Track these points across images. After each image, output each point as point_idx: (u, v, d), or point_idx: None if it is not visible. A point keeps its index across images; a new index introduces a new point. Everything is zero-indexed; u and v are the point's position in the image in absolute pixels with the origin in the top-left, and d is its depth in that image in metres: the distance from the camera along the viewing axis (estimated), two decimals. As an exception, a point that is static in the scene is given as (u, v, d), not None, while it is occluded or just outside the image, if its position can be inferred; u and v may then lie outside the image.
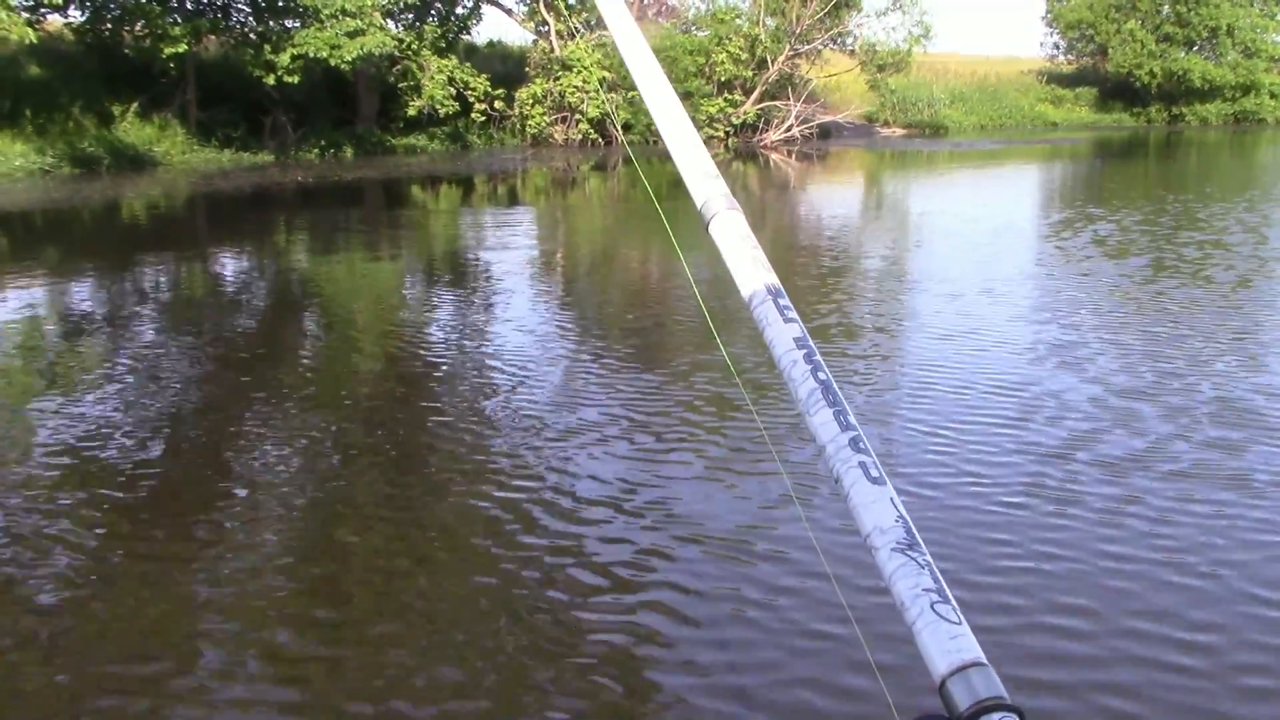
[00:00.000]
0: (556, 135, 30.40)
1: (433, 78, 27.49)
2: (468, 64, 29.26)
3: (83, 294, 10.24)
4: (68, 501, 4.86)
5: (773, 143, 32.82)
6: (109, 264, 12.03)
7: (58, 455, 5.46)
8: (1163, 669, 3.40)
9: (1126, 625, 3.66)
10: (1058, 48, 51.68)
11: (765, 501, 4.78)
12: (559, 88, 29.69)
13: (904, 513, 1.03)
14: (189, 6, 23.46)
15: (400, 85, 27.39)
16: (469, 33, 30.72)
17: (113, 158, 21.70)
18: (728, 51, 31.95)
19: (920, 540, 1.01)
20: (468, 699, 3.31)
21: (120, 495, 4.96)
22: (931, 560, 0.99)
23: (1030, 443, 5.52)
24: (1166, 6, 46.34)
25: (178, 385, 6.95)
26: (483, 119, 29.37)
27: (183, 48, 22.23)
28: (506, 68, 31.84)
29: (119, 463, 5.37)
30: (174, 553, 4.35)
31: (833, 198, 21.25)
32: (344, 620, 3.79)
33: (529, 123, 29.98)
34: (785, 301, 1.19)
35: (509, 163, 26.51)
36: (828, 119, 34.77)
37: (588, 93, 29.01)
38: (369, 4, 23.98)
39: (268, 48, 23.38)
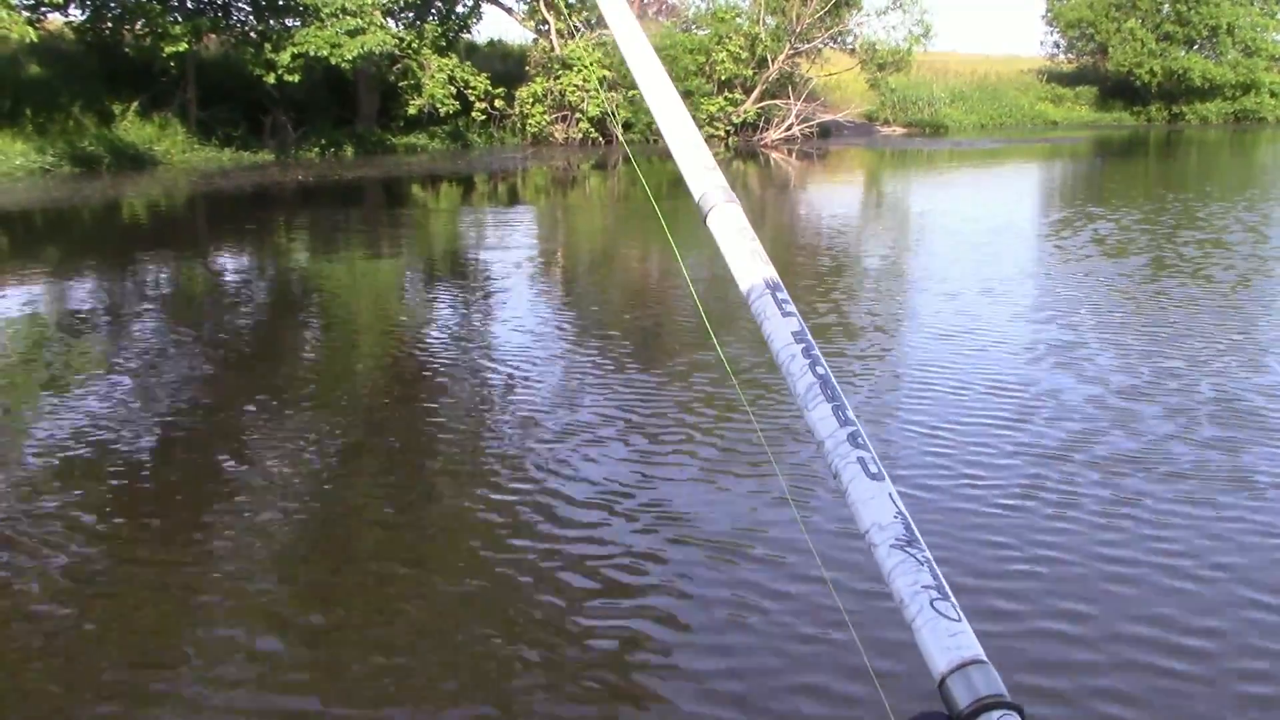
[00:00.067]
0: (557, 134, 30.40)
1: (433, 76, 27.48)
2: (468, 63, 29.25)
3: (83, 293, 10.23)
4: (66, 501, 4.85)
5: (773, 141, 32.81)
6: (109, 263, 12.03)
7: (56, 455, 5.46)
8: (1162, 672, 3.38)
9: (1125, 627, 3.65)
10: (1058, 46, 51.70)
11: (762, 504, 4.76)
12: (559, 87, 29.69)
13: (903, 509, 1.02)
14: (189, 5, 23.45)
15: (400, 84, 27.38)
16: (469, 32, 30.72)
17: (113, 157, 21.69)
18: (728, 50, 31.94)
19: (919, 536, 1.00)
20: (465, 702, 3.30)
21: (119, 495, 4.96)
22: (931, 557, 0.99)
23: (1029, 443, 5.51)
24: (1166, 5, 46.33)
25: (177, 385, 6.95)
26: (483, 118, 29.36)
27: (183, 46, 22.22)
28: (507, 67, 31.84)
29: (118, 463, 5.36)
30: (170, 554, 4.34)
31: (833, 197, 21.24)
32: (340, 622, 3.78)
33: (529, 122, 29.98)
34: (784, 295, 1.18)
35: (509, 162, 26.50)
36: (828, 118, 34.76)
37: (588, 92, 29.00)
38: (369, 3, 23.97)
39: (268, 46, 23.38)
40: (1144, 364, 7.06)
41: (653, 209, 15.52)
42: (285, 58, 23.07)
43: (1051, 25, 51.05)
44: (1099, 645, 3.53)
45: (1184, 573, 4.04)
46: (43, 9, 21.64)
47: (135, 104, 23.23)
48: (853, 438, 1.06)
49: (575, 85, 29.26)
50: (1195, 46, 46.80)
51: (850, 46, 36.28)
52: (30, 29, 19.29)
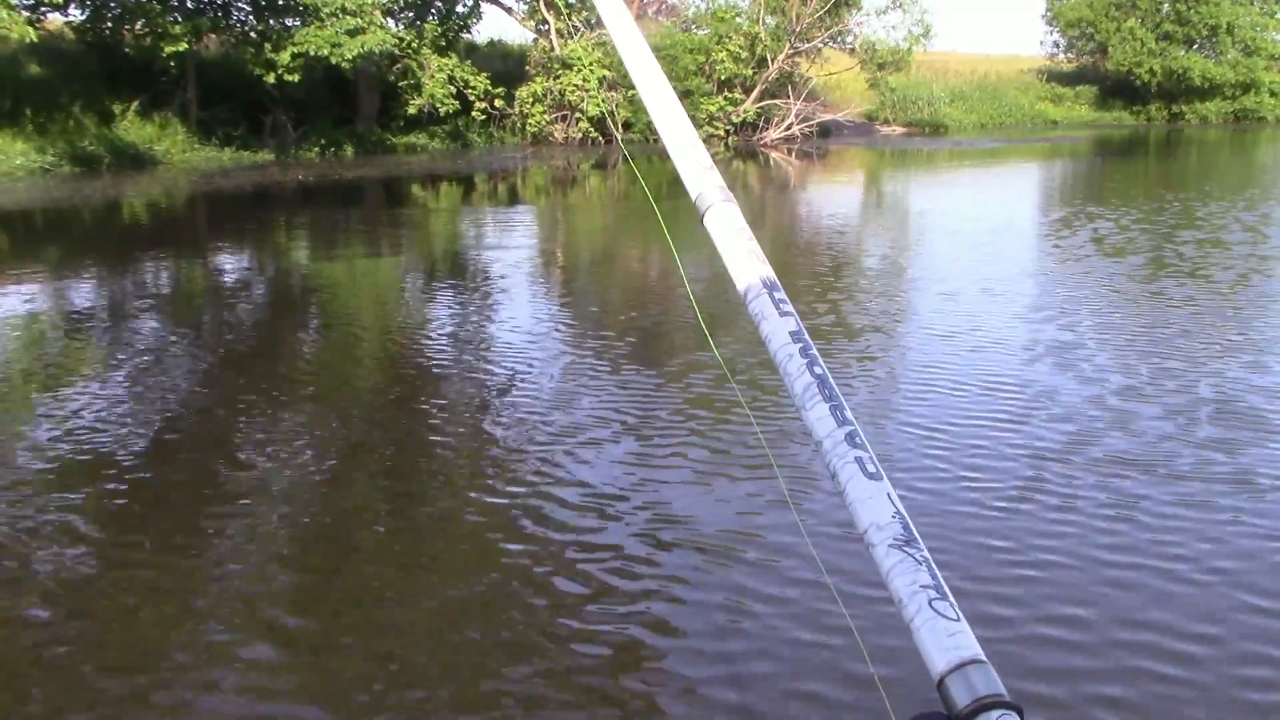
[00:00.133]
0: (557, 134, 30.41)
1: (433, 76, 27.48)
2: (468, 62, 29.25)
3: (83, 293, 10.23)
4: (63, 502, 4.84)
5: (773, 141, 32.81)
6: (109, 263, 12.02)
7: (54, 455, 5.45)
8: (1160, 675, 3.36)
9: (1124, 629, 3.63)
10: (1058, 46, 51.72)
11: (760, 506, 4.73)
12: (559, 86, 29.69)
13: (901, 508, 1.02)
14: (189, 5, 23.45)
15: (400, 84, 27.38)
16: (469, 31, 30.72)
17: (113, 156, 21.69)
18: (728, 50, 31.94)
19: (918, 536, 1.00)
20: (462, 705, 3.29)
21: (117, 495, 4.96)
22: (929, 556, 0.98)
23: (1028, 443, 5.50)
24: (1166, 5, 46.34)
25: (177, 384, 6.94)
26: (483, 118, 29.37)
27: (183, 46, 22.22)
28: (506, 66, 31.85)
29: (117, 462, 5.36)
30: (168, 556, 4.34)
31: (832, 196, 21.24)
32: (336, 625, 3.78)
33: (529, 121, 29.99)
34: (781, 295, 1.18)
35: (509, 161, 26.50)
36: (828, 117, 34.76)
37: (588, 91, 29.00)
38: (369, 2, 23.97)
39: (268, 46, 23.37)
40: (1143, 364, 7.06)
41: (652, 209, 15.49)
42: (285, 57, 23.07)
43: (1051, 25, 51.08)
44: (1097, 647, 3.51)
45: (1183, 575, 4.02)
46: (43, 9, 21.64)
47: (135, 104, 23.23)
48: (850, 437, 1.06)
49: (575, 85, 29.26)
50: (1195, 46, 46.81)
51: (850, 46, 36.28)
52: (30, 29, 19.29)
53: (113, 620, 3.78)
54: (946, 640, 0.92)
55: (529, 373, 7.05)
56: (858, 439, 1.06)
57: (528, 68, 30.97)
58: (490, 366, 7.34)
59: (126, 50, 23.44)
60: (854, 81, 37.59)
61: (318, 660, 3.53)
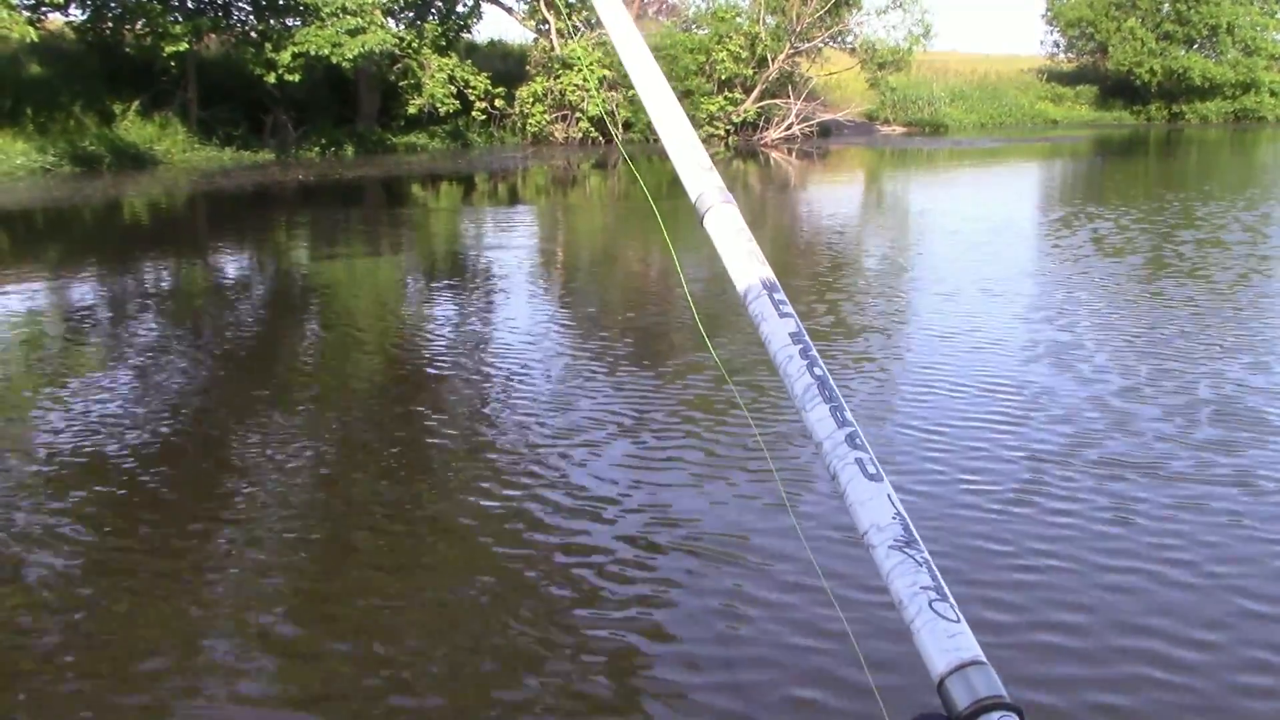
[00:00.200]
0: (557, 133, 30.42)
1: (433, 76, 27.49)
2: (468, 62, 29.25)
3: (83, 293, 10.23)
4: (65, 502, 4.85)
5: (773, 141, 32.82)
6: (110, 263, 12.02)
7: (55, 455, 5.46)
8: (1161, 676, 3.35)
9: (1124, 630, 3.62)
10: (1058, 46, 51.73)
11: (758, 508, 4.71)
12: (559, 86, 29.70)
13: (901, 509, 1.01)
14: (190, 5, 23.46)
15: (401, 84, 27.39)
16: (469, 31, 30.73)
17: (114, 156, 21.70)
18: (728, 50, 31.95)
19: (918, 537, 1.00)
20: (460, 701, 3.29)
21: (118, 495, 4.96)
22: (929, 557, 0.98)
23: (1028, 444, 5.50)
24: (1166, 4, 46.36)
25: (176, 385, 6.95)
26: (483, 117, 29.38)
27: (183, 46, 22.23)
28: (507, 66, 31.85)
29: (117, 462, 5.36)
30: (168, 555, 4.34)
31: (832, 196, 21.24)
32: (336, 625, 3.78)
33: (529, 121, 30.00)
34: (781, 296, 1.18)
35: (509, 161, 26.51)
36: (828, 117, 34.77)
37: (588, 91, 29.00)
38: (370, 2, 23.98)
39: (268, 46, 23.38)
40: (1142, 365, 7.05)
41: (652, 209, 15.49)
42: (286, 57, 23.07)
43: (1051, 24, 51.11)
44: (1096, 650, 3.50)
45: (1183, 577, 4.01)
46: (43, 9, 21.65)
47: (136, 103, 23.24)
48: (851, 439, 1.06)
49: (575, 85, 29.27)
50: (1195, 46, 46.83)
51: (850, 46, 36.29)
52: (31, 29, 19.30)
53: (110, 621, 3.79)
54: (947, 641, 0.92)
55: (527, 374, 7.05)
56: (858, 440, 1.06)
57: (528, 67, 30.99)
58: (489, 367, 7.34)
59: (127, 50, 23.45)
60: (854, 81, 37.60)
61: (319, 658, 3.53)
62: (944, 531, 4.40)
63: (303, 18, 23.73)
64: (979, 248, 12.59)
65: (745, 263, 1.22)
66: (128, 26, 22.92)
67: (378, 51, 24.31)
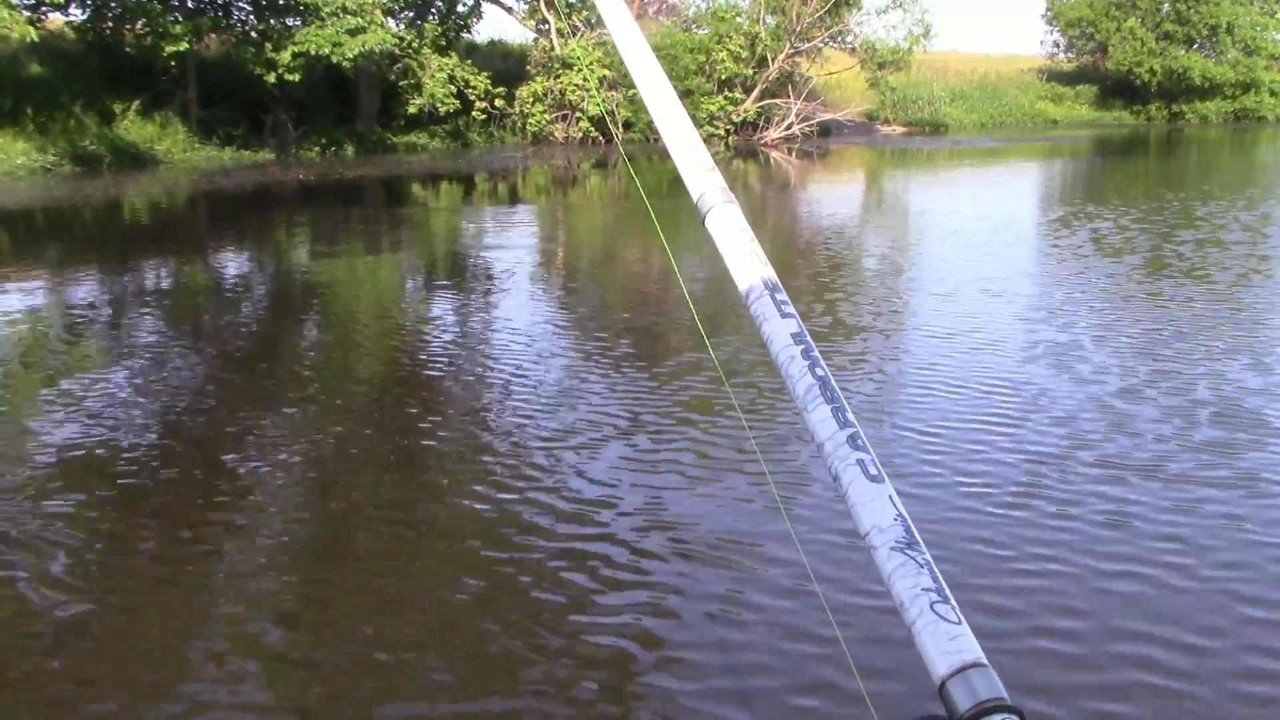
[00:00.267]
0: (557, 133, 30.43)
1: (433, 76, 27.49)
2: (468, 62, 29.26)
3: (83, 292, 10.23)
4: (64, 502, 4.85)
5: (773, 140, 32.83)
6: (110, 262, 12.02)
7: (55, 455, 5.46)
8: (1160, 682, 3.34)
9: (1124, 632, 3.60)
10: (1058, 45, 51.75)
11: (753, 512, 4.68)
12: (559, 86, 29.70)
13: (903, 511, 1.01)
14: (190, 5, 23.46)
15: (401, 83, 27.39)
16: (469, 31, 30.73)
17: (114, 156, 21.69)
18: (728, 49, 31.95)
19: (919, 539, 1.00)
20: (457, 704, 3.28)
21: (117, 495, 4.96)
22: (931, 559, 0.98)
23: (1028, 444, 5.49)
24: (1166, 4, 46.37)
25: (176, 384, 6.94)
26: (483, 117, 29.39)
27: (184, 46, 22.23)
28: (507, 66, 31.86)
29: (116, 462, 5.36)
30: (169, 554, 4.34)
31: (833, 196, 21.24)
32: (337, 623, 3.78)
33: (529, 121, 30.00)
34: (783, 296, 1.18)
35: (509, 161, 26.51)
36: (828, 117, 34.77)
37: (588, 91, 29.00)
38: (370, 2, 23.98)
39: (269, 46, 23.38)
40: (1142, 365, 7.05)
41: (650, 211, 15.47)
42: (286, 57, 23.07)
43: (1051, 24, 51.12)
44: (1095, 652, 3.49)
45: (1183, 580, 3.99)
46: (43, 9, 21.65)
47: (136, 103, 23.23)
48: (852, 440, 1.06)
49: (575, 84, 29.27)
50: (1195, 45, 46.84)
51: (850, 46, 36.29)
52: (31, 28, 19.30)
53: (111, 619, 3.79)
54: (948, 644, 0.92)
55: (526, 374, 7.04)
56: (859, 441, 1.06)
57: (528, 67, 30.99)
58: (489, 368, 7.33)
59: (127, 50, 23.45)
60: (854, 81, 37.61)
61: (321, 654, 3.52)
62: (942, 532, 4.39)
63: (303, 17, 23.73)
64: (978, 247, 12.59)
65: (747, 263, 1.22)
66: (128, 26, 22.92)
67: (378, 51, 24.32)
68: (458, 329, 8.76)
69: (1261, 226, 13.92)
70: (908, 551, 0.98)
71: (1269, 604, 3.82)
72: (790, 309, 1.17)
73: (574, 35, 30.14)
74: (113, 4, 22.55)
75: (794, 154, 29.91)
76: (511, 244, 13.75)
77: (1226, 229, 13.61)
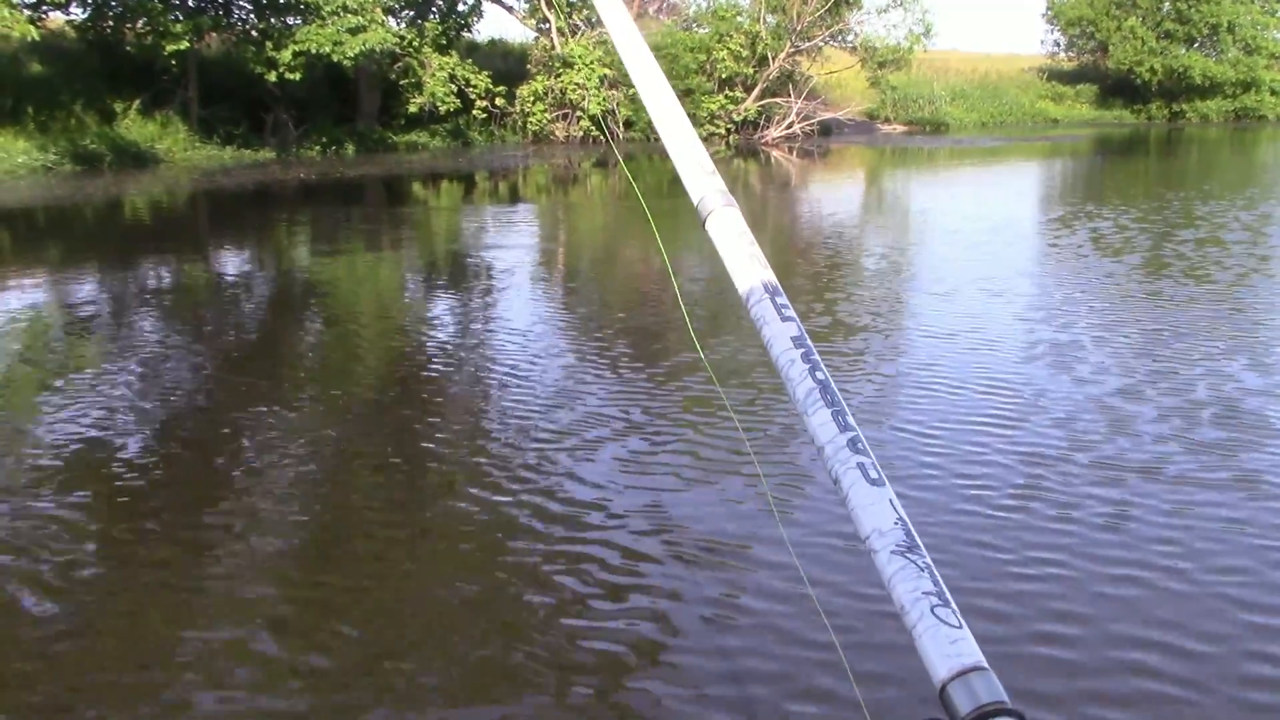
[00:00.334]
0: (558, 132, 30.41)
1: (434, 75, 27.49)
2: (469, 61, 29.26)
3: (84, 291, 10.23)
4: (64, 502, 4.85)
5: (774, 140, 32.81)
6: (111, 261, 12.03)
7: (52, 455, 5.46)
8: (1160, 682, 3.33)
9: (1124, 634, 3.59)
10: (1058, 45, 51.74)
11: (746, 515, 4.66)
12: (560, 85, 29.70)
13: (903, 514, 1.02)
14: (190, 4, 23.45)
15: (401, 82, 27.40)
16: (470, 30, 30.72)
17: (114, 155, 21.69)
18: (729, 48, 31.95)
19: (920, 543, 1.00)
20: (449, 709, 3.28)
21: (117, 495, 4.96)
22: (931, 563, 0.98)
23: (1027, 445, 5.48)
24: (1167, 4, 46.36)
25: (177, 383, 6.95)
26: (484, 116, 29.39)
27: (184, 45, 22.22)
28: (508, 65, 31.86)
29: (117, 461, 5.36)
30: (168, 555, 4.34)
31: (833, 195, 21.23)
32: (335, 624, 3.78)
33: (530, 120, 29.99)
34: (783, 300, 1.18)
35: (510, 160, 26.50)
36: (828, 116, 34.76)
37: (589, 90, 29.00)
38: (370, 1, 23.97)
39: (269, 45, 23.37)
40: (1142, 365, 7.05)
41: (653, 207, 15.44)
42: (286, 56, 23.07)
43: (1052, 23, 51.12)
44: (1097, 652, 3.48)
45: (1183, 583, 3.97)
46: (44, 8, 21.65)
47: (137, 102, 23.23)
48: (853, 443, 1.06)
49: (576, 83, 29.26)
50: (1196, 44, 46.84)
51: (851, 45, 36.30)
52: (32, 27, 19.30)
53: (111, 619, 3.79)
54: (949, 647, 0.92)
55: (523, 375, 7.04)
56: (860, 444, 1.06)
57: (529, 66, 30.99)
58: (488, 368, 7.33)
59: (128, 49, 23.46)
60: (855, 80, 37.61)
61: (319, 656, 3.52)
62: (941, 533, 4.38)
63: (303, 16, 23.72)
64: (979, 247, 12.59)
65: (747, 266, 1.22)
66: (128, 25, 22.92)
67: (378, 50, 24.31)
68: (457, 329, 8.76)
69: (1261, 226, 13.92)
70: (908, 555, 0.98)
71: (1270, 610, 3.80)
72: (790, 312, 1.17)
73: (574, 34, 30.14)
74: (113, 3, 22.55)
75: (794, 153, 29.90)
76: (511, 243, 13.75)
77: (1227, 228, 13.61)
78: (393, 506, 4.84)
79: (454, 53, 28.60)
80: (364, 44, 23.47)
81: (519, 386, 6.76)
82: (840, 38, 35.79)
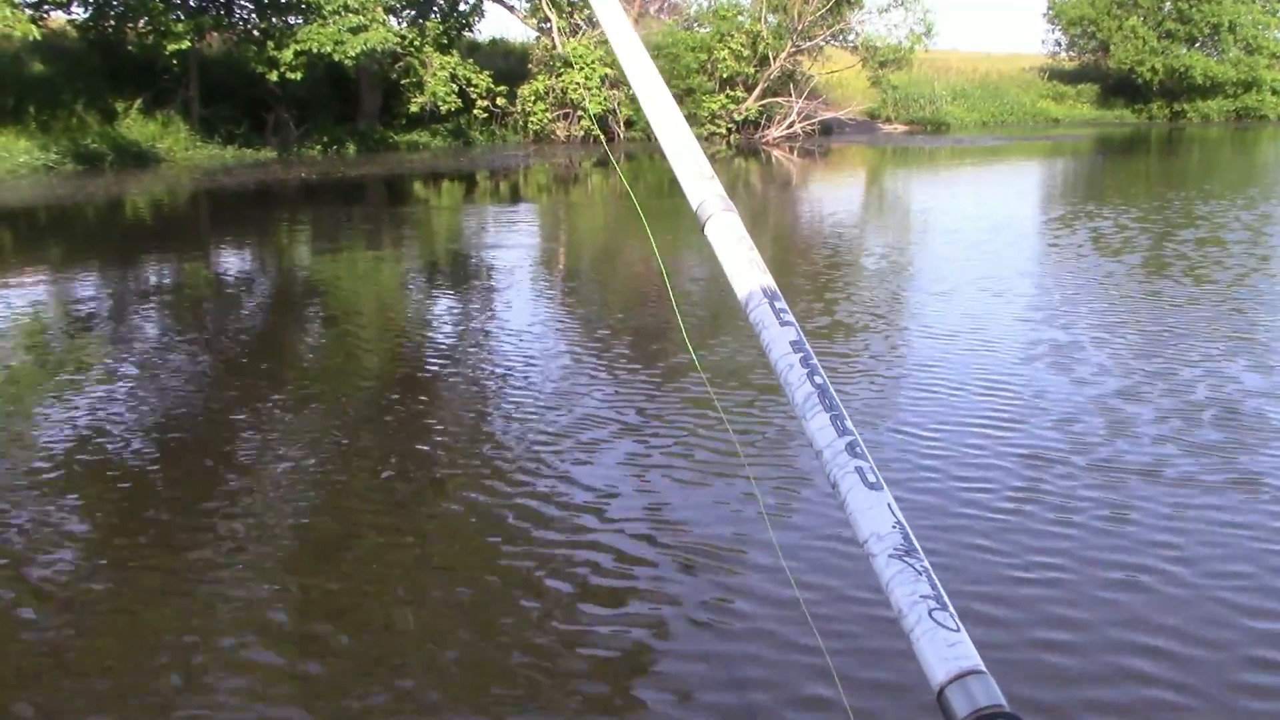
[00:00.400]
0: (558, 132, 30.41)
1: (435, 74, 27.49)
2: (470, 60, 29.26)
3: (85, 291, 10.24)
4: (64, 502, 4.85)
5: (775, 139, 32.81)
6: (112, 261, 12.03)
7: (55, 455, 5.46)
8: (1160, 684, 3.33)
9: (1123, 639, 3.58)
10: (1059, 44, 51.72)
11: (738, 520, 4.64)
12: (561, 84, 29.70)
13: (901, 518, 1.02)
14: (192, 3, 23.46)
15: (403, 82, 27.40)
16: (471, 29, 30.73)
17: (116, 154, 21.70)
18: (730, 48, 31.95)
19: (918, 546, 1.00)
20: (449, 711, 3.28)
21: (117, 496, 4.96)
22: (929, 566, 0.99)
23: (1027, 446, 5.47)
24: (1168, 3, 46.34)
25: (178, 383, 6.95)
26: (485, 116, 29.39)
27: (186, 44, 22.23)
28: (509, 64, 31.85)
29: (117, 462, 5.37)
30: (168, 557, 4.34)
31: (834, 194, 21.23)
32: (334, 627, 3.78)
33: (531, 119, 29.99)
34: (782, 304, 1.19)
35: (511, 159, 26.50)
36: (829, 115, 34.76)
37: (589, 89, 28.99)
38: (371, 0, 23.98)
39: (271, 44, 23.38)
40: (1143, 365, 7.04)
41: (654, 207, 15.50)
42: (288, 55, 23.07)
43: (1053, 23, 51.10)
44: (1095, 657, 3.47)
45: (1183, 586, 3.96)
46: (45, 7, 21.67)
47: (138, 102, 23.24)
48: (851, 447, 1.06)
49: (577, 83, 29.26)
50: (1197, 44, 46.81)
51: (852, 44, 36.29)
52: (33, 27, 19.32)
53: (112, 620, 3.79)
54: (946, 651, 0.92)
55: (523, 374, 7.04)
56: (858, 449, 1.07)
57: (530, 66, 30.99)
58: (487, 368, 7.34)
59: (129, 48, 23.47)
60: (856, 80, 37.60)
61: (318, 660, 3.53)
62: (940, 539, 4.37)
63: (305, 16, 23.73)
64: (979, 246, 12.58)
65: (746, 271, 1.22)
66: (130, 25, 22.93)
67: (380, 50, 24.32)
68: (457, 329, 8.76)
69: (1262, 226, 13.91)
70: (906, 559, 0.98)
71: (1270, 615, 3.78)
72: (789, 317, 1.17)
73: (576, 34, 30.15)
74: (115, 2, 22.56)
75: (795, 152, 29.90)
76: (512, 243, 13.75)
77: (1227, 228, 13.60)
78: (391, 508, 4.84)
79: (455, 52, 28.61)
80: (365, 43, 23.48)
81: (518, 387, 6.76)
82: (841, 37, 35.79)
